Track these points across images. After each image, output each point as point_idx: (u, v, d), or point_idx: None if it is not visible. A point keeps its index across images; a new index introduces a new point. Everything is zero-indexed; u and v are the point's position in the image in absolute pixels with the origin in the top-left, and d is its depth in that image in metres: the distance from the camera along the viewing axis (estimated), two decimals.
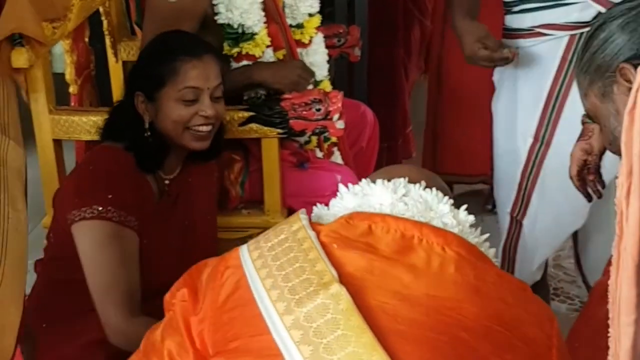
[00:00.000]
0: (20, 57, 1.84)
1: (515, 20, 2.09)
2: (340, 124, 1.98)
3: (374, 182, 1.20)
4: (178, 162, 1.85)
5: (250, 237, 1.90)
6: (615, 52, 1.30)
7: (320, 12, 2.35)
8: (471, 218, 1.18)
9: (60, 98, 2.05)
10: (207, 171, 1.93)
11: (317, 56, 2.30)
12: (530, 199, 2.18)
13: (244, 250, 1.14)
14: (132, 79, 1.84)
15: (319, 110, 1.96)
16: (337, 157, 2.30)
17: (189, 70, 1.75)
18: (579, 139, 1.75)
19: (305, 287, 1.03)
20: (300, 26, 2.27)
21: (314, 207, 1.24)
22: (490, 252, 1.16)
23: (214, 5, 2.00)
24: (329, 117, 1.97)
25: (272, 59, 2.09)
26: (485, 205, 3.11)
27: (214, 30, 2.02)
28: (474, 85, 2.71)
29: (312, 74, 2.09)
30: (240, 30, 2.01)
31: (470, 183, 3.12)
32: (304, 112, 1.96)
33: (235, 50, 2.03)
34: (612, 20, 1.33)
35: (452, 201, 1.19)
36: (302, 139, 2.14)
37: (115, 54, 2.46)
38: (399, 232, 1.08)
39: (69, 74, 2.17)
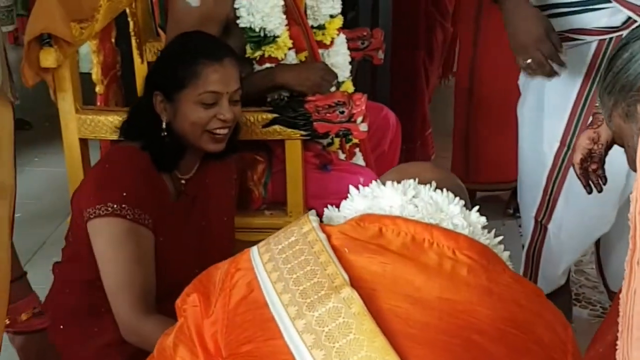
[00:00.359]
0: (48, 57, 1.86)
1: None
2: (363, 127, 1.99)
3: (384, 183, 1.20)
4: (194, 162, 1.86)
5: None
6: (638, 72, 1.29)
7: (344, 15, 2.36)
8: (483, 219, 1.16)
9: (86, 98, 2.08)
10: (225, 172, 1.94)
11: (338, 57, 2.31)
12: (556, 204, 2.18)
13: (254, 253, 1.14)
14: (151, 78, 1.84)
15: (342, 112, 1.97)
16: (358, 158, 2.31)
17: (210, 74, 1.75)
18: (587, 127, 1.74)
19: (316, 290, 1.02)
20: (321, 27, 2.28)
21: (325, 209, 1.23)
22: (504, 255, 1.15)
23: (236, 9, 2.01)
24: (352, 119, 1.97)
25: (294, 61, 2.10)
26: (506, 209, 3.11)
27: (236, 33, 2.04)
28: (507, 92, 2.61)
29: (335, 76, 2.10)
30: (262, 34, 2.02)
31: (505, 190, 3.09)
32: (328, 115, 1.97)
33: (258, 53, 2.04)
34: (635, 40, 1.32)
35: (463, 202, 1.17)
36: (325, 141, 2.15)
37: (141, 55, 2.48)
38: (410, 235, 1.08)
39: (96, 74, 2.19)
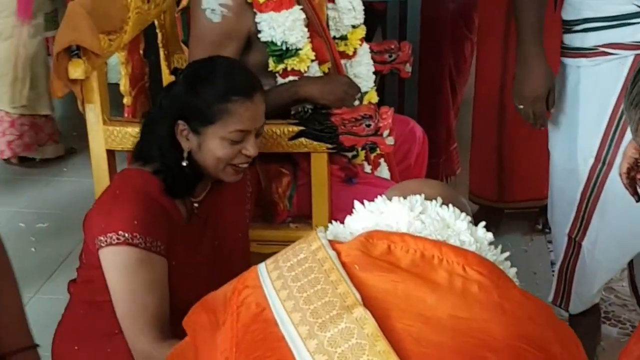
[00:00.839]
0: (77, 69, 1.87)
1: (576, 40, 2.06)
2: (390, 140, 1.98)
3: (389, 199, 1.19)
4: (207, 184, 1.83)
5: None
6: None
7: (372, 28, 2.35)
8: (489, 236, 1.16)
9: (115, 109, 2.09)
10: (239, 189, 1.90)
11: (361, 67, 2.30)
12: (590, 220, 2.14)
13: (262, 270, 1.13)
14: (174, 106, 1.75)
15: (369, 126, 1.96)
16: (383, 169, 2.29)
17: (241, 113, 1.71)
18: (633, 137, 1.72)
19: (327, 310, 1.01)
20: (344, 38, 2.28)
21: (329, 225, 1.22)
22: (511, 272, 1.14)
23: (257, 23, 2.01)
24: (379, 133, 1.96)
25: (317, 73, 2.09)
26: (535, 224, 3.07)
27: (258, 47, 2.04)
28: None
29: (358, 89, 2.08)
30: (284, 47, 2.02)
31: (539, 206, 3.00)
32: (354, 128, 1.96)
33: (281, 66, 2.04)
34: None
35: (469, 218, 1.17)
36: (350, 153, 2.14)
37: (169, 66, 2.49)
38: (419, 252, 1.07)
39: (124, 86, 2.20)
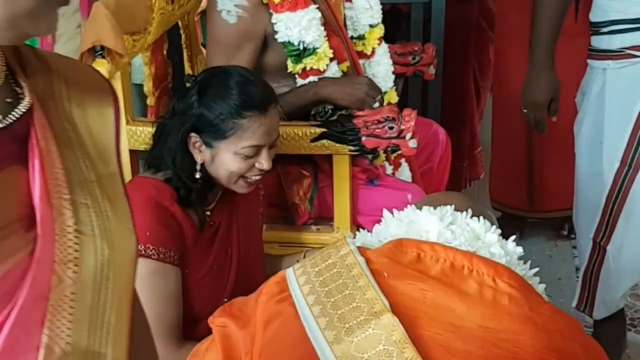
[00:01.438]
0: (100, 69, 1.87)
1: (603, 41, 2.04)
2: (412, 143, 1.96)
3: (419, 209, 1.18)
4: (218, 192, 1.81)
5: None
6: None
7: (397, 29, 2.34)
8: (519, 250, 1.15)
9: (139, 109, 2.09)
10: (250, 193, 1.87)
11: (380, 67, 2.30)
12: (615, 225, 2.12)
13: (290, 274, 1.12)
14: (187, 117, 1.71)
15: (391, 128, 1.95)
16: (404, 170, 2.28)
17: (255, 129, 1.69)
18: None
19: (355, 315, 1.01)
20: (362, 37, 2.28)
21: (357, 233, 1.21)
22: (540, 288, 1.13)
23: (274, 24, 2.00)
24: (401, 135, 1.95)
25: (337, 73, 2.08)
26: (560, 230, 3.04)
27: (275, 48, 2.03)
28: (571, 114, 2.41)
29: (379, 91, 2.06)
30: (301, 47, 2.01)
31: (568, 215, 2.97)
32: (377, 130, 1.95)
33: (299, 66, 2.03)
34: None
35: (499, 231, 1.16)
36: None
37: (192, 67, 2.49)
38: (449, 262, 1.06)
39: (147, 86, 2.21)
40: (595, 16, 2.06)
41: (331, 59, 2.06)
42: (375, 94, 2.03)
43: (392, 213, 1.22)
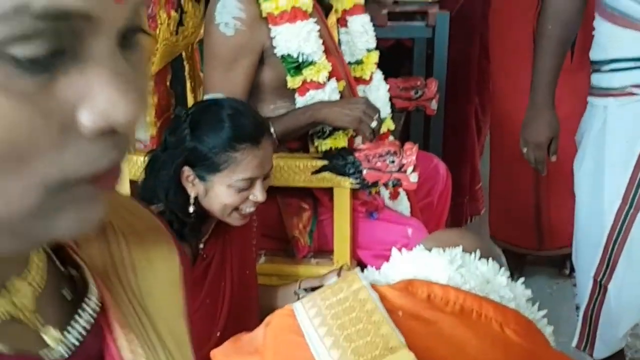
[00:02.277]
0: None
1: (604, 80, 2.04)
2: (414, 177, 1.96)
3: (428, 249, 1.18)
4: (211, 224, 1.79)
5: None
6: None
7: (399, 64, 2.35)
8: (528, 292, 1.15)
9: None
10: (244, 226, 1.84)
11: (379, 92, 2.30)
12: (617, 263, 2.10)
13: (298, 308, 1.11)
14: (180, 151, 1.70)
15: (393, 162, 1.95)
16: (402, 200, 2.26)
17: (249, 161, 1.68)
18: None
19: (370, 349, 0.99)
20: (359, 62, 2.28)
21: (365, 270, 1.20)
22: (547, 330, 1.13)
23: (272, 38, 2.00)
24: (402, 169, 1.95)
25: (336, 89, 2.07)
26: (562, 269, 3.02)
27: (272, 64, 2.03)
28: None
29: (377, 110, 2.02)
30: (300, 59, 2.00)
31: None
32: (378, 164, 1.95)
33: (299, 79, 2.01)
34: None
35: (508, 273, 1.15)
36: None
37: (195, 98, 2.50)
38: (459, 305, 1.05)
39: (150, 116, 2.20)
40: (595, 54, 2.07)
41: (330, 74, 2.05)
42: (372, 113, 1.99)
43: (393, 249, 1.21)
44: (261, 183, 1.71)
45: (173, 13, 2.21)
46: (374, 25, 2.35)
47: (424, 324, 1.04)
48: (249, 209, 1.73)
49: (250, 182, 1.70)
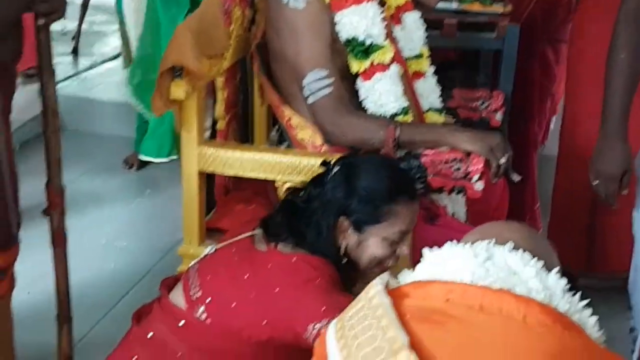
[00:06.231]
0: (178, 89, 1.92)
1: None
2: (479, 185, 1.95)
3: (465, 243, 1.17)
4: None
5: None
6: None
7: (469, 74, 2.36)
8: (563, 282, 1.11)
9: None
10: None
11: (432, 84, 2.34)
12: None
13: (330, 327, 1.13)
14: (338, 202, 1.73)
15: (458, 169, 1.95)
16: (461, 207, 2.25)
17: (408, 214, 1.73)
18: None
19: (376, 354, 1.00)
20: (417, 57, 2.31)
21: (400, 272, 1.21)
22: (590, 321, 1.09)
23: (336, 24, 2.02)
24: (468, 177, 1.95)
25: (397, 74, 2.07)
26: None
27: (335, 52, 2.03)
28: None
29: (509, 150, 1.97)
30: (367, 42, 2.01)
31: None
32: (443, 170, 1.95)
33: (366, 63, 2.02)
34: None
35: (541, 263, 1.12)
36: None
37: (262, 97, 2.53)
38: (478, 303, 1.04)
39: (219, 110, 2.24)
40: None
41: (392, 59, 2.06)
42: (505, 149, 1.95)
43: (424, 248, 1.20)
44: (409, 237, 1.76)
45: (247, 10, 2.25)
46: (442, 35, 2.37)
47: (435, 325, 1.03)
48: (391, 262, 1.77)
49: (402, 235, 1.75)
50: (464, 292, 1.06)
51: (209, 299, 1.70)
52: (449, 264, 1.12)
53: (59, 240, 1.92)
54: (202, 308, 1.70)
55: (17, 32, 1.69)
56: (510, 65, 2.76)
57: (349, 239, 1.74)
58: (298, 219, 1.75)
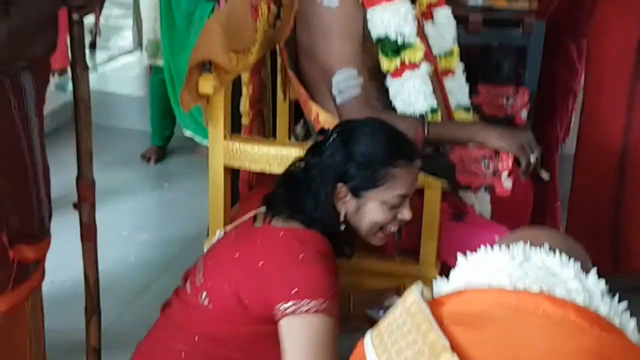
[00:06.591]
0: (206, 84, 1.92)
1: None
2: (508, 183, 1.94)
3: (492, 248, 1.15)
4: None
5: (404, 287, 1.91)
6: None
7: (491, 70, 2.35)
8: (602, 284, 1.09)
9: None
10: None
11: (462, 82, 2.35)
12: None
13: (367, 340, 1.12)
14: (335, 168, 1.72)
15: (487, 166, 1.94)
16: (485, 199, 2.24)
17: (406, 177, 1.73)
18: None
19: (416, 358, 1.00)
20: (448, 54, 2.31)
21: (434, 284, 1.20)
22: (630, 325, 1.06)
23: (368, 22, 2.01)
24: (497, 174, 1.94)
25: (427, 73, 2.07)
26: None
27: (366, 51, 2.03)
28: None
29: (539, 148, 1.96)
30: (399, 40, 2.01)
31: None
32: (472, 167, 1.95)
33: (395, 62, 2.02)
34: None
35: (579, 264, 1.10)
36: None
37: (285, 92, 2.52)
38: (513, 306, 1.03)
39: (244, 105, 2.24)
40: None
41: (424, 56, 2.05)
42: (535, 147, 1.94)
43: (458, 254, 1.19)
44: (408, 201, 1.75)
45: (272, 5, 2.24)
46: (468, 31, 2.36)
47: (473, 329, 1.02)
48: (393, 228, 1.77)
49: (402, 199, 1.74)
50: (501, 296, 1.05)
51: (209, 284, 1.72)
52: (486, 268, 1.11)
53: (89, 234, 1.92)
54: (204, 294, 1.72)
55: (53, 26, 1.70)
56: (536, 61, 2.75)
57: (348, 205, 1.73)
58: (297, 189, 1.75)
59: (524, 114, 2.51)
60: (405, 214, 1.75)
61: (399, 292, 1.88)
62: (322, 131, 1.82)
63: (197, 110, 3.69)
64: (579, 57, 3.11)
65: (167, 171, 3.86)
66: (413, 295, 1.10)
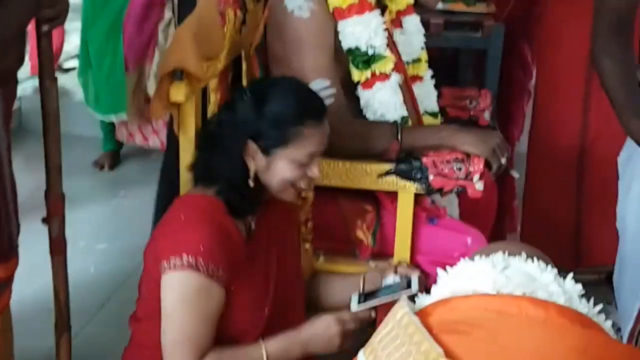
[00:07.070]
0: (178, 92, 1.88)
1: None
2: (479, 186, 1.97)
3: (472, 259, 1.17)
4: (262, 204, 1.85)
5: None
6: None
7: (455, 73, 2.38)
8: (579, 287, 1.12)
9: None
10: (289, 213, 1.93)
11: (430, 89, 2.38)
12: None
13: (360, 353, 1.13)
14: (243, 126, 1.76)
15: (460, 169, 1.96)
16: (454, 202, 2.27)
17: (314, 135, 1.75)
18: None
19: None
20: (416, 60, 2.35)
21: (416, 299, 1.22)
22: (606, 325, 1.10)
23: (338, 33, 2.03)
24: (469, 177, 1.97)
25: (397, 83, 2.09)
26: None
27: (338, 62, 2.05)
28: None
29: (508, 149, 2.03)
30: (370, 52, 2.03)
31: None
32: (445, 170, 1.97)
33: (367, 73, 2.04)
34: None
35: (556, 270, 1.14)
36: None
37: None
38: (497, 310, 1.05)
39: (212, 113, 2.21)
40: None
41: (394, 66, 2.07)
42: (505, 149, 2.00)
43: (438, 269, 1.20)
44: (319, 159, 1.78)
45: (238, 12, 2.22)
46: (427, 33, 2.39)
47: (462, 335, 1.04)
48: (304, 184, 1.79)
49: (311, 157, 1.76)
50: (485, 301, 1.07)
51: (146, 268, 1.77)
52: (467, 277, 1.13)
53: (58, 249, 1.88)
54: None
55: (22, 38, 1.66)
56: (496, 64, 2.79)
57: (258, 162, 1.75)
58: (209, 146, 1.79)
59: (487, 116, 2.55)
60: (315, 171, 1.77)
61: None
62: (237, 89, 1.83)
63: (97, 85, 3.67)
64: (532, 59, 3.16)
65: (123, 178, 3.80)
66: (403, 309, 1.11)
